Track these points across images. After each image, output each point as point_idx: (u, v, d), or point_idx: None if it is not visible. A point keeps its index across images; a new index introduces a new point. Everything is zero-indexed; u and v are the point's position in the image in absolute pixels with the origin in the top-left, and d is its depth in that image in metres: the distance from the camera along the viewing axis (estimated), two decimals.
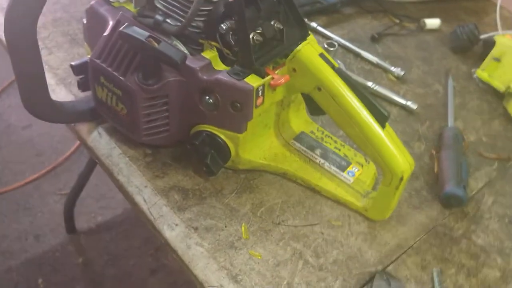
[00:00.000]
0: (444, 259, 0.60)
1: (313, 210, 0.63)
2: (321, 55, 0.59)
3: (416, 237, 0.62)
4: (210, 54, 0.58)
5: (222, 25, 0.56)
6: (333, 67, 0.58)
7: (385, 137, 0.56)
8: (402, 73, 0.86)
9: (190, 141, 0.61)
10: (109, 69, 0.58)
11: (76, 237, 1.43)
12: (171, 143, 0.64)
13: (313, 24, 0.94)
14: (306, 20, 0.88)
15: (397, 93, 0.82)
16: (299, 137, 0.67)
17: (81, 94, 0.67)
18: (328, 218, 0.62)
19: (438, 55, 0.93)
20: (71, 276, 1.35)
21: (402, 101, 0.80)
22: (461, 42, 0.93)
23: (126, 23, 0.56)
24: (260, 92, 0.57)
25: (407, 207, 0.65)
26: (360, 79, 0.83)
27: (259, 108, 0.58)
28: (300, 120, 0.69)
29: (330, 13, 0.98)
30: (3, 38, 0.53)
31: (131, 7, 0.62)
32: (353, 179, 0.64)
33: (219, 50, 0.58)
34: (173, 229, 0.57)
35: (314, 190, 0.64)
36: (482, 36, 0.93)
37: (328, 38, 0.92)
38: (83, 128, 0.66)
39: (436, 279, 0.58)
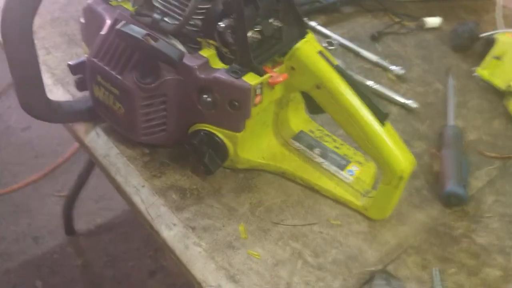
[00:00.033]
0: (444, 258, 0.60)
1: (312, 209, 0.62)
2: (320, 53, 0.58)
3: (416, 236, 0.62)
4: (208, 53, 0.58)
5: (220, 23, 0.56)
6: (332, 65, 0.58)
7: (385, 135, 0.56)
8: (402, 72, 0.85)
9: (188, 140, 0.60)
10: (106, 68, 0.58)
11: (75, 239, 1.43)
12: (169, 143, 0.64)
13: (313, 23, 0.93)
14: (305, 19, 0.87)
15: (397, 92, 0.81)
16: (298, 136, 0.67)
17: (79, 94, 0.67)
18: (327, 218, 0.62)
19: (438, 53, 0.93)
20: (70, 278, 1.34)
21: (402, 100, 0.79)
22: (461, 40, 0.92)
23: (123, 22, 0.56)
24: (259, 90, 0.56)
25: (407, 206, 0.65)
26: (360, 78, 0.82)
27: (257, 107, 0.57)
28: (299, 119, 0.68)
29: (329, 12, 0.98)
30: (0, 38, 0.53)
31: (129, 6, 0.62)
32: (352, 178, 0.64)
33: (217, 49, 0.58)
34: (171, 229, 0.57)
35: (313, 190, 0.64)
36: (482, 35, 0.92)
37: (328, 37, 0.91)
38: (80, 128, 0.66)
39: (436, 279, 0.57)
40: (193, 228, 0.57)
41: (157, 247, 1.39)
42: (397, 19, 0.99)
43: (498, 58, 0.85)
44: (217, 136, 0.60)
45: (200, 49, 0.58)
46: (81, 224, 1.45)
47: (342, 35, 0.92)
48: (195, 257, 0.55)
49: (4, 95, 1.71)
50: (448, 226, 0.63)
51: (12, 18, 0.51)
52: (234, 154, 0.61)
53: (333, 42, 0.89)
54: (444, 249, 0.61)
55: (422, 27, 0.98)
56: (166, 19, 0.59)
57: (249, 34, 0.56)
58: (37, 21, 0.79)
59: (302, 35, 0.60)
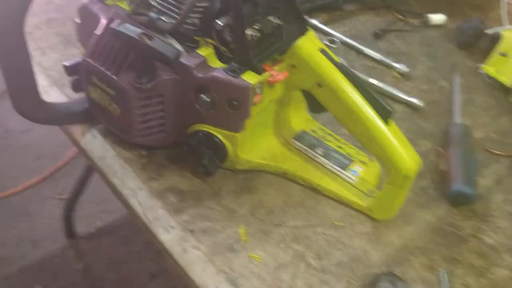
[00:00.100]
0: (452, 259, 0.59)
1: (314, 210, 0.61)
2: (322, 50, 0.58)
3: (422, 237, 0.60)
4: (205, 52, 0.57)
5: (218, 22, 0.55)
6: (334, 62, 0.57)
7: (389, 134, 0.55)
8: (406, 69, 0.84)
9: (186, 141, 0.59)
10: (102, 68, 0.57)
11: (75, 242, 1.42)
12: (167, 144, 0.63)
13: (314, 22, 0.92)
14: (306, 17, 0.86)
15: (402, 90, 0.80)
16: (300, 136, 0.66)
17: (75, 95, 0.66)
18: (330, 219, 0.60)
19: (443, 50, 0.92)
20: (71, 281, 1.34)
21: (407, 98, 0.79)
22: (467, 37, 0.92)
23: (118, 21, 0.55)
24: (258, 89, 0.55)
25: (413, 206, 0.63)
26: (363, 76, 0.81)
27: (257, 106, 0.56)
28: (300, 119, 0.67)
29: (331, 10, 0.97)
30: None
31: (125, 5, 0.61)
32: (356, 178, 0.63)
33: (215, 48, 0.57)
34: (169, 232, 0.56)
35: (315, 190, 0.63)
36: (487, 31, 0.92)
37: (329, 35, 0.90)
38: (76, 130, 0.65)
39: (444, 280, 0.56)
40: (192, 231, 0.56)
41: (158, 250, 1.38)
42: (400, 16, 0.98)
43: (504, 54, 0.84)
44: (216, 137, 0.59)
45: (198, 48, 0.57)
46: (81, 227, 1.44)
47: (344, 33, 0.91)
48: (194, 260, 0.54)
49: (3, 98, 1.70)
50: (455, 226, 0.62)
51: (2, 17, 0.49)
52: (234, 155, 0.60)
53: (334, 39, 0.88)
54: (452, 249, 0.60)
55: (426, 24, 0.97)
56: (163, 17, 0.57)
57: (248, 32, 0.55)
58: (33, 22, 0.79)
59: (302, 33, 0.59)
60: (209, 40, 0.57)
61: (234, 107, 0.55)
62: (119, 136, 0.62)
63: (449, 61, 0.89)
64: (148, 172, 0.61)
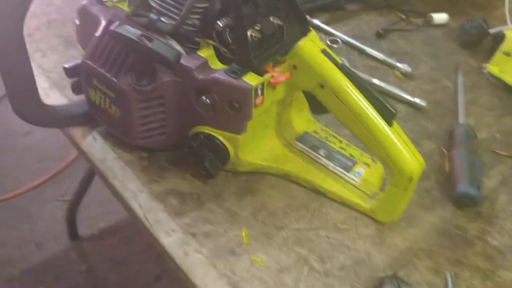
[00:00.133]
0: (457, 262, 0.58)
1: (317, 213, 0.60)
2: (323, 51, 0.57)
3: (427, 239, 0.60)
4: (206, 53, 0.56)
5: (218, 23, 0.55)
6: (336, 63, 0.56)
7: (393, 135, 0.54)
8: (409, 69, 0.84)
9: (187, 143, 0.59)
10: (101, 70, 0.56)
11: (78, 244, 1.42)
12: (168, 146, 0.62)
13: (316, 21, 0.92)
14: (308, 17, 0.86)
15: (405, 90, 0.80)
16: (302, 138, 0.65)
17: (76, 98, 0.65)
18: (333, 221, 0.60)
19: (446, 50, 0.91)
20: (74, 283, 1.34)
21: (410, 98, 0.78)
22: (470, 36, 0.91)
23: (118, 22, 0.54)
24: (260, 91, 0.55)
25: (417, 208, 0.63)
26: (365, 77, 0.81)
27: (258, 108, 0.56)
28: (302, 120, 0.67)
29: (333, 10, 0.97)
30: None
31: (124, 7, 0.60)
32: (359, 179, 0.62)
33: (216, 49, 0.57)
34: (170, 235, 0.55)
35: (318, 192, 0.62)
36: (491, 30, 0.91)
37: (331, 35, 0.90)
38: (77, 132, 0.65)
39: (449, 283, 0.56)
40: (194, 234, 0.56)
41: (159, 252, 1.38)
42: (403, 16, 0.98)
43: (507, 54, 0.84)
44: (217, 139, 0.58)
45: (198, 49, 0.57)
46: (84, 228, 1.44)
47: (346, 33, 0.90)
48: (195, 264, 0.53)
49: (6, 100, 1.70)
50: (460, 228, 0.62)
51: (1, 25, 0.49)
52: (235, 156, 0.59)
53: (337, 39, 0.87)
54: (457, 251, 0.59)
55: (429, 24, 0.97)
56: (162, 19, 0.57)
57: (249, 33, 0.55)
58: (33, 23, 0.78)
59: (304, 33, 0.58)
60: (210, 41, 0.56)
61: (235, 109, 0.55)
62: (119, 138, 0.62)
63: (452, 61, 0.88)
64: (149, 175, 0.61)
